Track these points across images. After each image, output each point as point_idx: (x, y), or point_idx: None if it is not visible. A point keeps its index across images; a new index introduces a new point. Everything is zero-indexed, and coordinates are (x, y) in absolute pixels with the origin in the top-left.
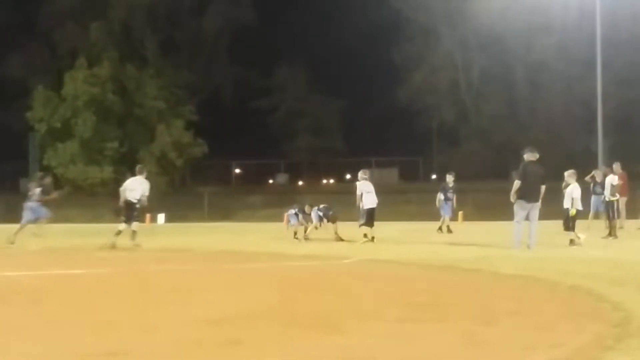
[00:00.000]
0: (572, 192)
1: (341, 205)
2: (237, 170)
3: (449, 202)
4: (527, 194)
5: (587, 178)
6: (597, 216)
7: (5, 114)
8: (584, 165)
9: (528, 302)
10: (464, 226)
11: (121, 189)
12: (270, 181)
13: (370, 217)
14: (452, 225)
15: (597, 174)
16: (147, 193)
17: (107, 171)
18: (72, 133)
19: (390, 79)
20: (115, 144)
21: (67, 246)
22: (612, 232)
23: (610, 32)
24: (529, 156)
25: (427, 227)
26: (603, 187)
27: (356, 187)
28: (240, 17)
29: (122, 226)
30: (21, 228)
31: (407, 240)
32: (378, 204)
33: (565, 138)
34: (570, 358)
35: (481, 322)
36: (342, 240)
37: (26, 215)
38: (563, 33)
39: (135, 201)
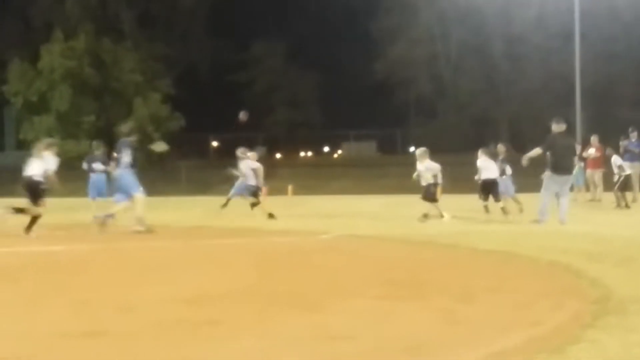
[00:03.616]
0: (432, 167)
1: (317, 178)
2: (215, 144)
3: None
4: (559, 167)
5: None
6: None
7: None
8: None
9: (506, 279)
10: (442, 200)
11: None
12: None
13: None
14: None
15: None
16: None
17: (85, 145)
18: (49, 107)
19: (368, 52)
20: (92, 118)
21: (45, 222)
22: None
23: (589, 5)
24: (557, 127)
25: (406, 201)
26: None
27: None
28: None
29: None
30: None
31: (385, 215)
32: (356, 177)
33: (543, 111)
34: (549, 336)
35: (460, 300)
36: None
37: None
38: (542, 5)
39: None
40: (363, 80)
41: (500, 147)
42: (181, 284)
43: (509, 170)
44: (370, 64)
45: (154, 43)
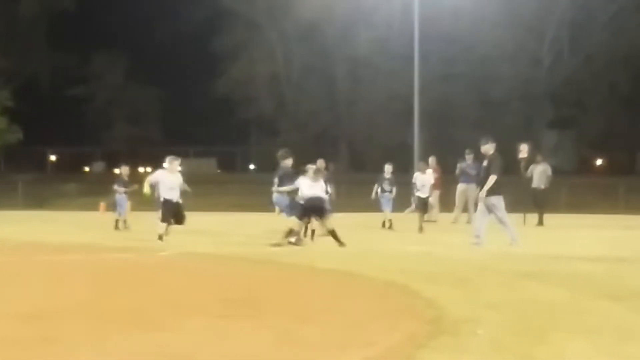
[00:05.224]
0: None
1: None
2: (53, 158)
3: (386, 194)
4: (504, 188)
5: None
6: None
7: None
8: (401, 159)
9: (343, 299)
10: (282, 218)
11: None
12: (87, 169)
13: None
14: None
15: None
16: None
17: None
18: None
19: (210, 69)
20: None
21: None
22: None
23: (429, 28)
24: (492, 147)
25: (246, 219)
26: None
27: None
28: (58, 3)
29: None
30: None
31: (225, 232)
32: (196, 194)
33: (383, 131)
34: (383, 356)
35: (296, 319)
36: None
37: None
38: (385, 28)
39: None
40: (204, 98)
41: (320, 163)
42: (15, 300)
43: (328, 189)
44: (212, 81)
45: None
